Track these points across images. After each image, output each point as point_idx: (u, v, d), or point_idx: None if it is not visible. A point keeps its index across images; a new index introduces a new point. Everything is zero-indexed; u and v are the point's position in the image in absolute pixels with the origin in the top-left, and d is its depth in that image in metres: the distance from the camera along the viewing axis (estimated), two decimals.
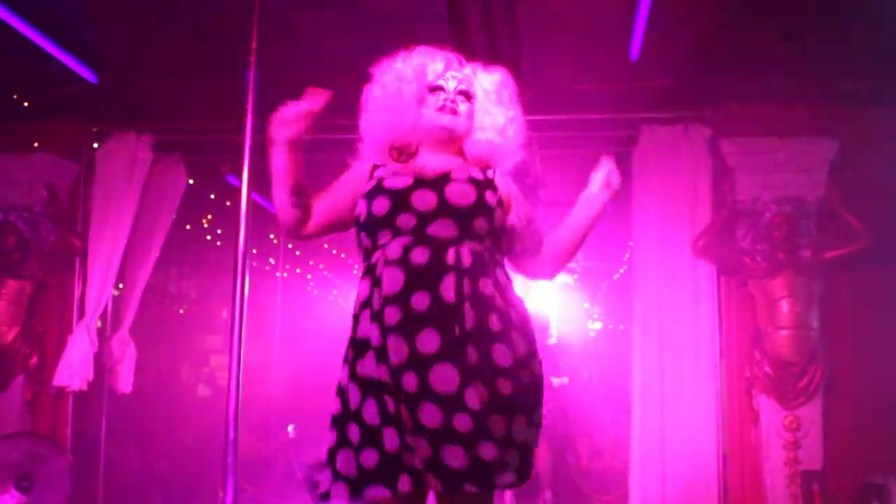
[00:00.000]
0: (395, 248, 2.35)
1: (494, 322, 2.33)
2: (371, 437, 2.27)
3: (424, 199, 2.40)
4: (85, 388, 5.96)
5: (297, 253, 10.28)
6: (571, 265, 11.17)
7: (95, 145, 6.28)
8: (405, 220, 2.38)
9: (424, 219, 2.37)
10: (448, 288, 2.30)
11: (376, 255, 2.39)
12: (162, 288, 9.25)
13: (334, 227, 2.60)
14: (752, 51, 5.18)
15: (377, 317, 2.31)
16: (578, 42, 5.22)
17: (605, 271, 11.26)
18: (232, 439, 3.11)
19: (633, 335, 5.94)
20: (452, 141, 2.58)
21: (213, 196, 7.89)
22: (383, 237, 2.40)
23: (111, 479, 6.36)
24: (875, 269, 5.50)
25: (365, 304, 2.37)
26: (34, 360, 6.05)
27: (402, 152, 2.59)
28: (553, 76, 5.69)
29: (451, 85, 2.59)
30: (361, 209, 2.46)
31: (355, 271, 11.36)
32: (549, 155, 6.96)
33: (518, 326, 2.39)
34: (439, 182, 2.44)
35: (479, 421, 2.22)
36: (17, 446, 5.49)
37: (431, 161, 2.53)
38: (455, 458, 2.20)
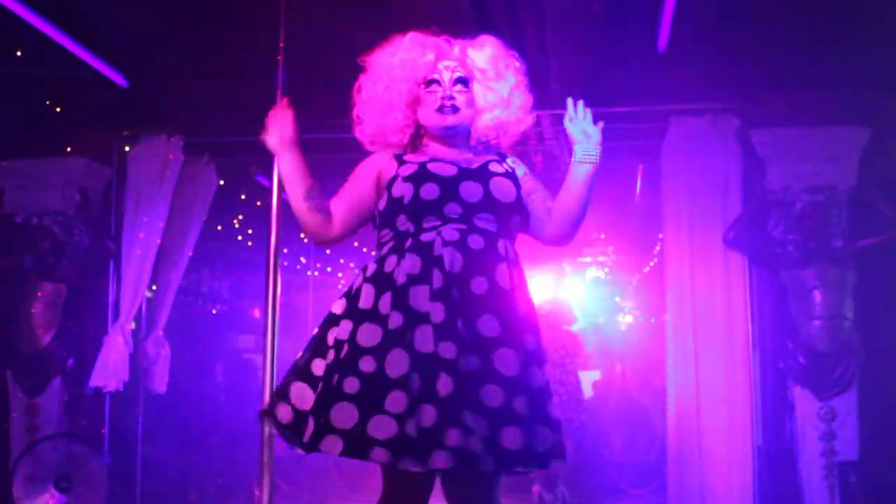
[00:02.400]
0: (451, 232, 2.36)
1: (524, 315, 2.40)
2: (413, 406, 2.20)
3: (471, 191, 2.42)
4: (121, 388, 6.02)
5: (328, 251, 10.32)
6: (602, 258, 11.18)
7: (127, 149, 6.35)
8: (452, 209, 2.39)
9: (470, 209, 2.40)
10: (503, 275, 2.36)
11: (428, 235, 2.36)
12: (195, 289, 9.33)
13: (362, 221, 2.59)
14: (781, 39, 5.14)
15: (440, 294, 2.28)
16: (605, 34, 5.21)
17: (636, 264, 11.22)
18: (268, 436, 3.14)
19: (666, 328, 5.93)
20: (458, 134, 2.59)
21: (243, 197, 7.95)
22: (429, 222, 2.39)
23: (148, 478, 6.43)
24: None
25: (417, 280, 2.31)
26: (71, 362, 6.13)
27: (412, 145, 2.62)
28: (580, 69, 5.68)
29: (445, 76, 2.56)
30: (405, 191, 2.42)
31: None
32: None
33: (535, 327, 2.45)
34: (482, 174, 2.47)
35: (532, 404, 2.28)
36: (56, 447, 5.56)
37: (445, 152, 2.55)
38: (513, 441, 2.22)
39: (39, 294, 6.09)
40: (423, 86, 2.56)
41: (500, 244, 2.40)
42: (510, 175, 2.52)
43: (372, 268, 2.42)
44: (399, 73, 2.55)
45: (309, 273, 9.68)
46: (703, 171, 5.81)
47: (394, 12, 4.72)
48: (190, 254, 6.50)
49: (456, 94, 2.54)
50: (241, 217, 8.69)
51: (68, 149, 6.23)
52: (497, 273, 2.35)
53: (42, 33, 4.96)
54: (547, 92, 5.86)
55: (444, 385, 2.19)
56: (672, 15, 4.80)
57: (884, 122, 5.47)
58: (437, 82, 2.55)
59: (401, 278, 2.32)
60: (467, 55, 2.61)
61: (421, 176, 2.43)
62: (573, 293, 11.06)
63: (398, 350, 2.25)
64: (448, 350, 2.22)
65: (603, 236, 10.59)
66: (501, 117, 2.58)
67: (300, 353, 2.45)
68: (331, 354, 2.35)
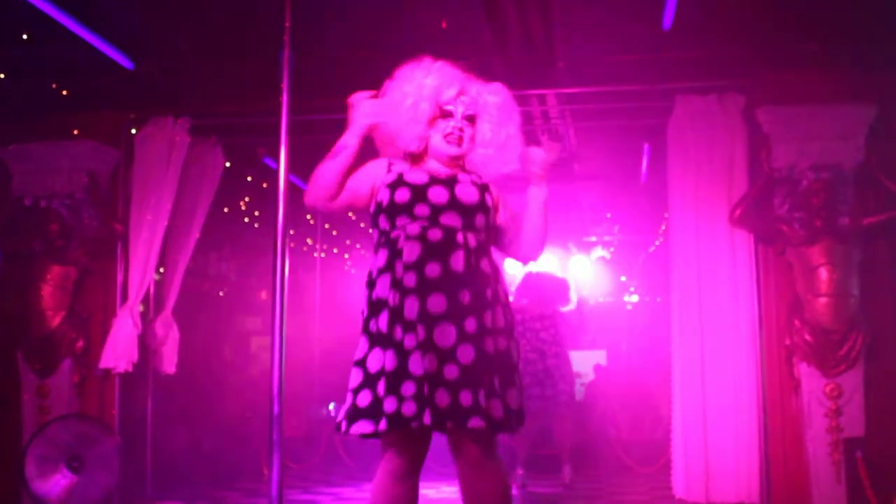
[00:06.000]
0: (414, 228, 2.82)
1: (489, 294, 2.83)
2: (369, 382, 2.74)
3: (438, 194, 2.87)
4: (130, 370, 6.06)
5: (335, 233, 10.35)
6: (607, 238, 11.18)
7: (134, 131, 6.36)
8: (421, 210, 2.84)
9: (437, 210, 2.84)
10: (458, 261, 2.79)
11: (396, 234, 2.85)
12: (202, 270, 9.36)
13: (351, 206, 3.04)
14: (787, 17, 5.13)
15: (397, 282, 2.77)
16: (611, 13, 5.20)
17: (642, 244, 11.23)
18: (277, 415, 3.16)
19: (672, 306, 5.94)
20: (455, 160, 3.01)
21: (249, 178, 7.96)
22: (402, 221, 2.85)
23: (158, 457, 6.48)
24: None
25: (383, 271, 2.83)
26: (80, 343, 6.16)
27: (414, 157, 3.02)
28: (586, 48, 5.68)
29: (459, 110, 2.97)
30: (384, 196, 2.89)
31: None
32: (583, 127, 6.96)
33: (503, 302, 2.90)
34: (450, 181, 2.92)
35: (465, 372, 2.69)
36: (67, 428, 5.60)
37: (439, 168, 2.99)
38: (442, 399, 2.67)
39: (48, 277, 6.11)
40: (440, 113, 2.96)
41: (459, 235, 2.82)
42: (477, 184, 2.95)
43: (370, 272, 2.92)
44: (429, 93, 2.94)
45: (316, 254, 9.70)
46: (708, 150, 5.81)
47: None
48: (197, 235, 6.52)
49: (464, 127, 2.97)
50: (247, 199, 8.71)
51: (75, 132, 6.24)
52: (452, 259, 2.78)
53: (48, 16, 4.97)
54: (553, 70, 5.86)
55: (390, 362, 2.71)
56: None
57: (890, 99, 5.46)
58: (452, 115, 2.97)
59: (374, 273, 2.86)
60: (481, 95, 3.01)
61: (397, 183, 2.90)
62: (579, 273, 11.09)
63: (363, 337, 2.84)
64: (398, 331, 2.73)
65: (609, 215, 10.59)
66: (490, 156, 2.98)
67: None
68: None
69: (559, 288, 7.43)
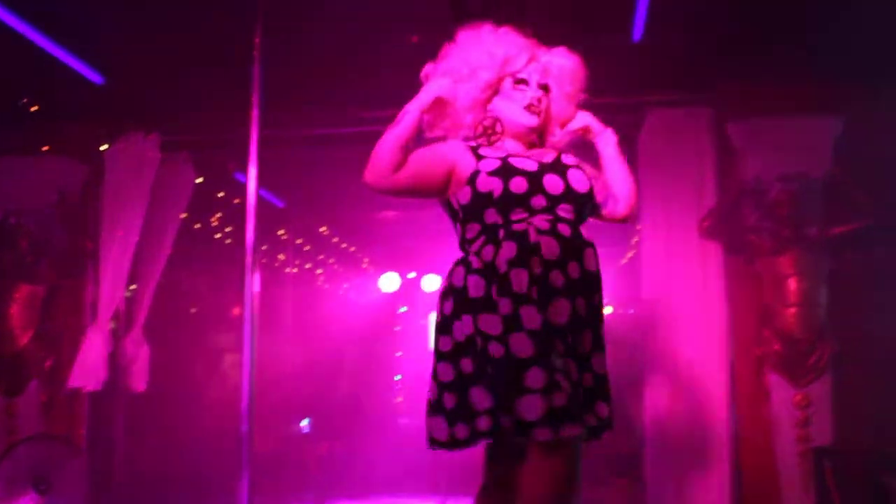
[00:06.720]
0: (541, 221, 2.55)
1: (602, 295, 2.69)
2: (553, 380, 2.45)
3: (554, 184, 2.60)
4: (100, 388, 6.01)
5: (307, 248, 10.32)
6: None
7: (104, 147, 6.33)
8: (538, 201, 2.57)
9: (554, 201, 2.58)
10: (590, 259, 2.59)
11: (521, 226, 2.53)
12: (173, 287, 9.29)
13: (417, 188, 2.68)
14: (754, 31, 5.18)
15: (538, 279, 2.49)
16: (579, 25, 5.23)
17: (613, 255, 11.26)
18: (246, 432, 3.15)
19: (643, 318, 5.96)
20: (533, 132, 2.78)
21: (221, 194, 7.93)
22: (517, 214, 2.56)
23: (128, 477, 6.41)
24: (883, 245, 5.51)
25: (516, 264, 2.49)
26: (49, 362, 6.10)
27: (490, 134, 2.75)
28: None
29: (533, 79, 2.75)
30: (494, 185, 2.56)
31: (365, 264, 11.39)
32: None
33: None
34: (560, 167, 2.67)
35: (598, 382, 2.61)
36: (33, 449, 5.53)
37: (518, 148, 2.74)
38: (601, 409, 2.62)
39: (17, 295, 6.05)
40: (511, 82, 2.74)
41: (581, 231, 2.61)
42: (580, 168, 2.71)
43: (475, 261, 2.57)
44: (495, 63, 2.70)
45: (287, 270, 9.66)
46: (678, 162, 5.85)
47: (369, 4, 4.73)
48: (169, 251, 6.47)
49: (541, 98, 2.75)
50: (219, 214, 8.67)
51: (45, 147, 6.20)
52: (585, 258, 2.57)
53: (15, 31, 4.94)
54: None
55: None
56: (647, 5, 4.84)
57: (857, 110, 5.52)
58: (527, 83, 2.73)
59: (502, 266, 2.50)
60: (552, 62, 2.81)
61: (507, 170, 2.59)
62: None
63: (517, 334, 2.43)
64: (547, 329, 2.46)
65: None
66: (569, 133, 2.82)
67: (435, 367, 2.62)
68: (471, 351, 2.52)
69: None
